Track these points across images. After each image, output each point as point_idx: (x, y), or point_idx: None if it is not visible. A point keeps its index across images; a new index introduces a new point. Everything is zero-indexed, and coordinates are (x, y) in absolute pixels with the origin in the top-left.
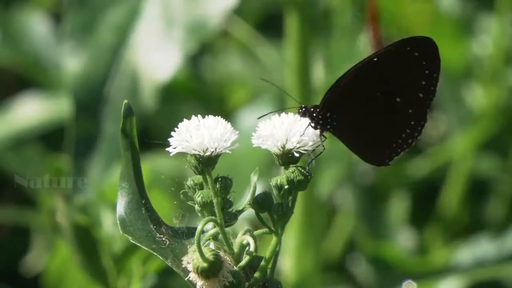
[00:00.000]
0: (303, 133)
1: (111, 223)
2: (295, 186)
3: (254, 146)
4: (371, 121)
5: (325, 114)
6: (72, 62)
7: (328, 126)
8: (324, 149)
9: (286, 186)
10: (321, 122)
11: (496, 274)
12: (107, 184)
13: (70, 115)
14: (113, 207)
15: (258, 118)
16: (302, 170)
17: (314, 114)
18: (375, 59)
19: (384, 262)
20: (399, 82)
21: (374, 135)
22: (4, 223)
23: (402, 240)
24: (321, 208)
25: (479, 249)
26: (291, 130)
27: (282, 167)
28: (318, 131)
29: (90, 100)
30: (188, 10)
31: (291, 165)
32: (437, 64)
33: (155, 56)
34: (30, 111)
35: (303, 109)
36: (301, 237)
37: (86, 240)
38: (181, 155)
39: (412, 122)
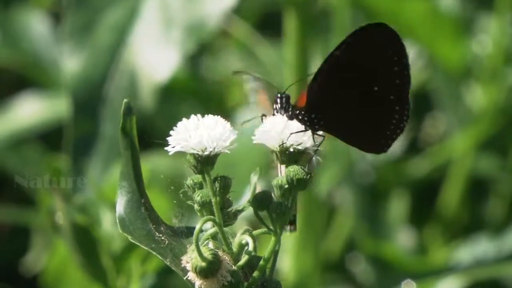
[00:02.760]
0: (301, 130)
1: (110, 222)
2: (294, 185)
3: (254, 143)
4: (356, 114)
5: (310, 116)
6: (71, 62)
7: (316, 126)
8: (322, 148)
9: (286, 186)
10: (308, 123)
11: (495, 273)
12: (106, 184)
13: (68, 115)
14: (113, 207)
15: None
16: (302, 169)
17: (300, 117)
18: (340, 55)
19: (384, 262)
20: (370, 72)
21: (364, 126)
22: (4, 222)
23: (402, 240)
24: (320, 208)
25: (478, 248)
26: (290, 127)
27: (283, 167)
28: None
29: (89, 100)
30: (187, 11)
31: (291, 164)
32: (403, 49)
33: (154, 57)
34: (30, 111)
35: (290, 113)
36: (300, 236)
37: (85, 240)
38: (180, 154)
39: (397, 107)
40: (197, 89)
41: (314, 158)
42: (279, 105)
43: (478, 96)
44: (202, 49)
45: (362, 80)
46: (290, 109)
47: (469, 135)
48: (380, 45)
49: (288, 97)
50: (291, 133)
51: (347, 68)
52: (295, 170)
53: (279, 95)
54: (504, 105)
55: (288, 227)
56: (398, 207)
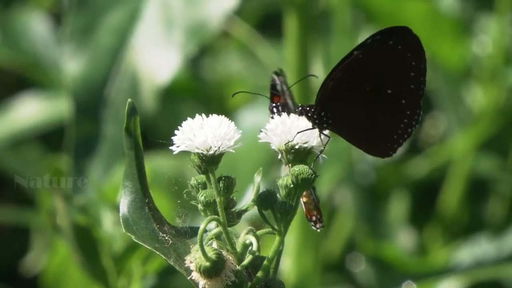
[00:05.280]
0: (307, 129)
1: (111, 223)
2: (298, 184)
3: (260, 141)
4: (366, 115)
5: (320, 113)
6: (72, 64)
7: (325, 125)
8: (324, 147)
9: (291, 185)
10: (317, 121)
11: (495, 274)
12: (107, 185)
13: (70, 117)
14: (113, 207)
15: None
16: (307, 169)
17: (309, 114)
18: (360, 56)
19: (384, 262)
20: (387, 75)
21: (372, 128)
22: (4, 223)
23: (402, 240)
24: (320, 208)
25: (478, 249)
26: (295, 127)
27: (287, 166)
28: (317, 130)
29: (90, 102)
30: (188, 13)
31: (296, 164)
32: (422, 55)
33: (155, 58)
34: (30, 111)
35: (300, 108)
36: (300, 237)
37: (86, 240)
38: (181, 155)
39: (408, 112)
40: (198, 89)
41: (320, 157)
42: (275, 114)
43: (478, 96)
44: (203, 49)
45: (377, 82)
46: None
47: (469, 135)
48: (400, 49)
49: (283, 105)
50: (299, 132)
51: (363, 69)
52: (300, 169)
53: (274, 105)
54: (504, 105)
55: (316, 225)
56: (398, 207)
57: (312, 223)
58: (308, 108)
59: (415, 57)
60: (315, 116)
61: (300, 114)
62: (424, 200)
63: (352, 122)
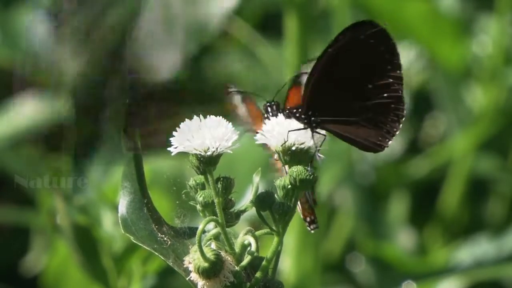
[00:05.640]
0: (301, 128)
1: (111, 223)
2: (297, 186)
3: (257, 143)
4: (352, 112)
5: (307, 113)
6: (72, 63)
7: (314, 124)
8: (320, 146)
9: (289, 186)
10: (306, 121)
11: (495, 274)
12: (107, 185)
13: (70, 117)
14: (113, 207)
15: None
16: (305, 170)
17: (297, 115)
18: (333, 53)
19: (384, 262)
20: (363, 70)
21: (361, 124)
22: (4, 223)
23: (402, 240)
24: (320, 208)
25: (478, 249)
26: (292, 127)
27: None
28: (309, 131)
29: (90, 102)
30: (188, 12)
31: (294, 164)
32: (393, 47)
33: (155, 58)
34: (30, 111)
35: (287, 111)
36: (300, 237)
37: (86, 240)
38: (180, 155)
39: (393, 106)
40: (197, 89)
41: (317, 157)
42: (270, 113)
43: (478, 96)
44: (203, 49)
45: (356, 78)
46: (282, 114)
47: (469, 135)
48: (371, 42)
49: (277, 105)
50: (290, 130)
51: (340, 66)
52: (298, 170)
53: (268, 104)
54: (504, 105)
55: (311, 226)
56: (398, 207)
57: (307, 223)
58: (295, 110)
59: (387, 50)
60: (303, 116)
61: (288, 117)
62: (424, 200)
63: (340, 119)
